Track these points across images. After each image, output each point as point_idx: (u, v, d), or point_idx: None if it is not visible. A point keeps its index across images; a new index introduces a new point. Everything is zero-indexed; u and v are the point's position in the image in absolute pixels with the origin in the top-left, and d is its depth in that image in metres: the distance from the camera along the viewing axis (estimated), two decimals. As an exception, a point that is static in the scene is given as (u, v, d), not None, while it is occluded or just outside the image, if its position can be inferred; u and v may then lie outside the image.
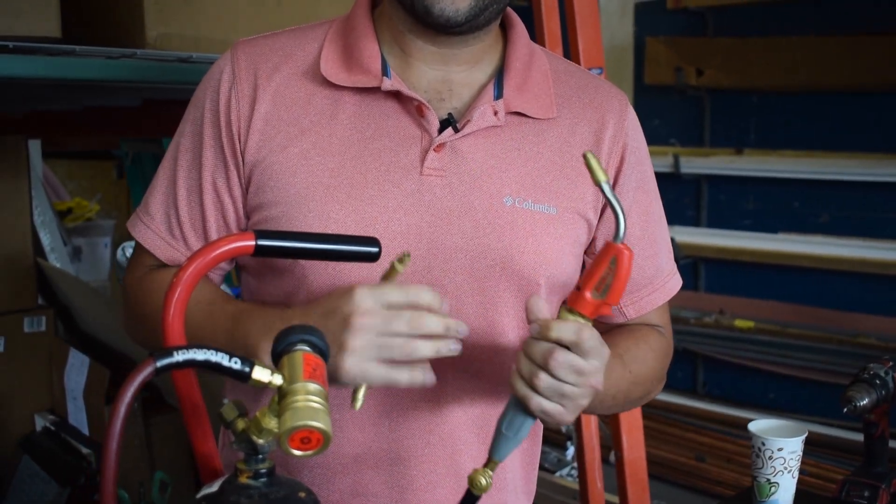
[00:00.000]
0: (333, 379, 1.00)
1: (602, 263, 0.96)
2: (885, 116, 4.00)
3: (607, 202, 0.95)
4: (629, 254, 0.95)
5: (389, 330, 1.00)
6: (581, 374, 1.00)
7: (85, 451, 2.22)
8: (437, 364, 1.15)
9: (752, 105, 4.41)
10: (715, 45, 4.41)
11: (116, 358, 2.45)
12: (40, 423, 2.41)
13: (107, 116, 2.81)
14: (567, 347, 0.99)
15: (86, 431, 2.33)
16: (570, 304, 0.99)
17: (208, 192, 1.20)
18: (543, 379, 0.99)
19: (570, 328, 0.98)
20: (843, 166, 4.05)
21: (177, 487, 2.17)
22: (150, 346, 1.24)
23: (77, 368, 2.35)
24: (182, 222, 1.21)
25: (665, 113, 4.57)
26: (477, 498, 1.04)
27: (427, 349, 1.02)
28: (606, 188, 0.94)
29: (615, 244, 0.95)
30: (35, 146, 3.51)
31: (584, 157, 0.94)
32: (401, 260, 1.00)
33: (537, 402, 1.01)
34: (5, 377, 2.37)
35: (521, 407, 1.02)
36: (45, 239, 3.15)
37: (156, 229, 1.23)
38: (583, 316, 0.98)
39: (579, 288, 0.98)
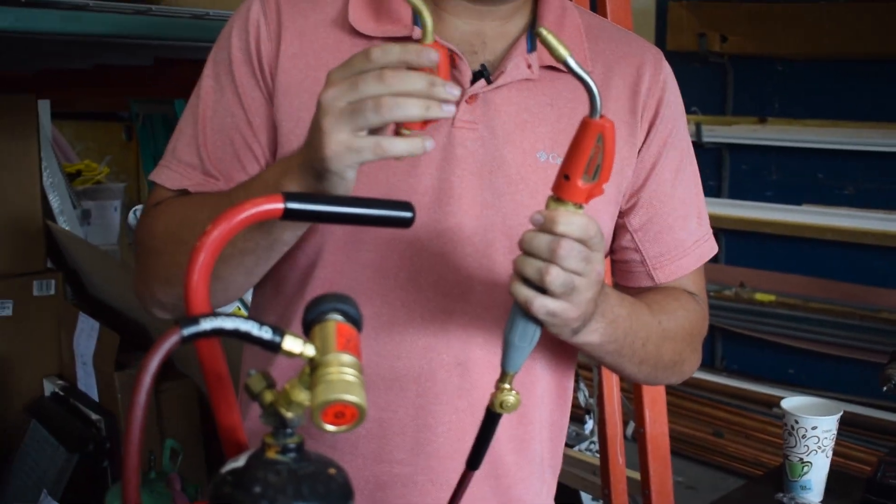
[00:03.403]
0: (324, 171, 0.92)
1: (587, 143, 0.88)
2: (914, 86, 3.92)
3: (577, 78, 0.86)
4: (611, 125, 0.88)
5: (358, 94, 0.90)
6: (588, 261, 0.93)
7: (94, 417, 2.20)
8: (467, 327, 1.13)
9: (777, 73, 4.34)
10: (739, 11, 4.33)
11: (126, 323, 2.42)
12: (49, 387, 2.39)
13: (118, 76, 2.77)
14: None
15: (95, 397, 2.30)
16: (559, 195, 0.91)
17: (245, 132, 1.15)
18: (554, 272, 0.91)
19: (578, 223, 0.91)
20: (870, 136, 3.99)
21: (188, 455, 2.14)
22: (166, 294, 1.16)
23: (87, 333, 2.32)
24: (214, 162, 1.16)
25: (687, 80, 4.44)
26: (498, 418, 0.98)
27: (410, 106, 0.91)
28: (572, 62, 0.85)
29: (595, 120, 0.87)
30: (44, 106, 3.46)
31: (539, 34, 0.85)
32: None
33: (541, 302, 0.93)
34: (14, 341, 2.36)
35: (526, 314, 0.95)
36: (55, 201, 3.11)
37: (184, 172, 1.17)
38: (577, 205, 0.92)
39: (567, 177, 0.90)
